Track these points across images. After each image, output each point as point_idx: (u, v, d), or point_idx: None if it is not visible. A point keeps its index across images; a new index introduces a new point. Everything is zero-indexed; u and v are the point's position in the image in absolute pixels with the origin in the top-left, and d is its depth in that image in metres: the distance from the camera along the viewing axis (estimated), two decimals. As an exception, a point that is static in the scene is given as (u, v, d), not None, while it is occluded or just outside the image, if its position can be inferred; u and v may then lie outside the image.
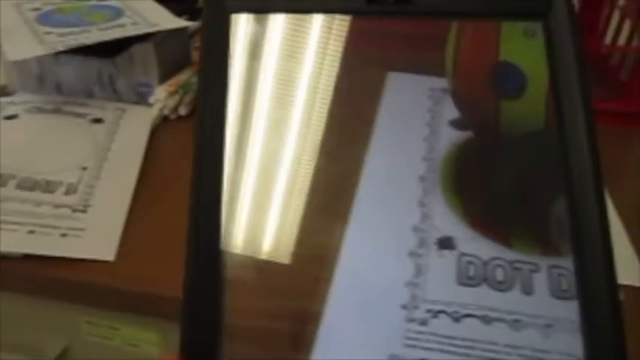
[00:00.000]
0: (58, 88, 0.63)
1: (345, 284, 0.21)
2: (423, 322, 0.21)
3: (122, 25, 0.60)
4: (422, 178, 0.23)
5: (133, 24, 0.61)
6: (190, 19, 0.68)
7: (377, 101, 0.24)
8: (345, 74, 0.25)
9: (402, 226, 0.22)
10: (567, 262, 0.22)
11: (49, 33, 0.58)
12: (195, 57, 0.68)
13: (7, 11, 0.64)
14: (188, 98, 0.60)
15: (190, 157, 0.53)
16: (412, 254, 0.22)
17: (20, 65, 0.62)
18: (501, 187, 0.24)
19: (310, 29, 0.24)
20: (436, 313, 0.21)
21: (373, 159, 0.23)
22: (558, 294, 0.21)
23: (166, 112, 0.59)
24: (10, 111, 0.57)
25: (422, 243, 0.22)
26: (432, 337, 0.21)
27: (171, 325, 0.45)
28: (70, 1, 0.67)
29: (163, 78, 0.61)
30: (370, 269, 0.22)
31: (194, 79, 0.62)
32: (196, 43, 0.71)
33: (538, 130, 0.24)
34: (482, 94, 0.25)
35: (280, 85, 0.24)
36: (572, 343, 0.21)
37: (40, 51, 0.54)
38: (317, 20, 0.24)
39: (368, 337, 0.21)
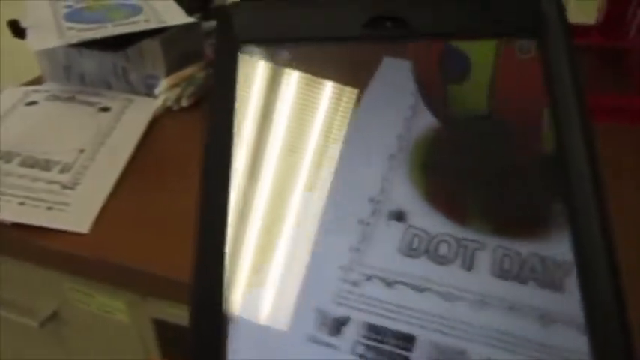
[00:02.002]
0: (82, 79, 0.70)
1: (292, 240, 0.23)
2: (355, 284, 0.23)
3: (135, 22, 0.65)
4: (392, 156, 0.25)
5: (146, 21, 0.66)
6: (203, 17, 0.73)
7: (368, 82, 0.26)
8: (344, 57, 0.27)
9: (360, 196, 0.24)
10: (517, 244, 0.23)
11: (70, 29, 0.65)
12: (209, 53, 0.72)
13: (43, 8, 0.71)
14: (190, 91, 0.64)
15: (184, 145, 0.58)
16: (361, 222, 0.24)
17: (50, 57, 0.70)
18: (461, 168, 0.25)
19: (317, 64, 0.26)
20: (370, 277, 0.23)
21: (351, 133, 0.25)
22: (499, 273, 0.22)
23: (169, 103, 0.64)
24: (31, 98, 0.64)
25: (374, 213, 0.24)
26: (360, 298, 0.22)
27: (136, 296, 0.50)
28: (99, 0, 0.73)
29: (171, 71, 0.66)
30: (319, 231, 0.23)
31: (199, 74, 0.67)
32: (211, 40, 0.75)
33: (483, 115, 0.26)
34: (433, 78, 0.26)
35: (289, 125, 0.25)
36: (502, 319, 0.22)
37: (55, 43, 0.60)
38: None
39: (299, 289, 0.22)
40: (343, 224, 0.24)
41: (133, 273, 0.46)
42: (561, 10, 0.25)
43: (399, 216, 0.24)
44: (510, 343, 0.21)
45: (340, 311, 0.22)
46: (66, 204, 0.49)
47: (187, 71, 0.66)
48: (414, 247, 0.23)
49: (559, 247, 0.22)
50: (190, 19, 0.66)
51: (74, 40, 0.61)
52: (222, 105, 0.24)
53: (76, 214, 0.48)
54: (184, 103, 0.64)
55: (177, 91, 0.64)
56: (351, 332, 0.22)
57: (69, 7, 0.71)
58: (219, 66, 0.25)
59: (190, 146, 0.61)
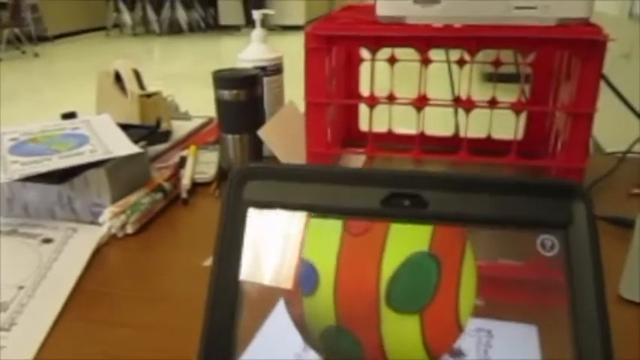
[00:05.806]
0: (25, 209, 0.70)
1: None
2: None
3: (81, 154, 0.67)
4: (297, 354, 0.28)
5: (91, 152, 0.67)
6: (149, 143, 0.75)
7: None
8: None
9: None
10: None
11: (14, 162, 0.65)
12: (155, 178, 0.73)
13: (-11, 142, 0.72)
14: (135, 217, 0.65)
15: (128, 273, 0.58)
16: None
17: (-7, 190, 0.69)
18: None
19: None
20: None
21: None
22: None
23: (114, 230, 0.64)
24: (-30, 233, 0.63)
25: None
26: None
27: None
28: (45, 131, 0.75)
29: (116, 199, 0.66)
30: None
31: (144, 200, 0.68)
32: (157, 164, 0.77)
33: (333, 326, 0.27)
34: (291, 293, 0.28)
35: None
36: None
37: (-3, 180, 0.60)
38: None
39: None
40: None
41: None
42: (589, 207, 0.24)
43: None
44: None
45: None
46: (1, 347, 0.47)
47: (132, 198, 0.67)
48: None
49: None
50: (137, 150, 0.68)
51: (16, 176, 0.61)
52: (228, 260, 0.27)
53: (12, 358, 0.46)
54: (129, 230, 0.65)
55: (122, 218, 0.64)
56: None
57: (14, 139, 0.73)
58: (226, 227, 0.27)
59: (134, 274, 0.61)
